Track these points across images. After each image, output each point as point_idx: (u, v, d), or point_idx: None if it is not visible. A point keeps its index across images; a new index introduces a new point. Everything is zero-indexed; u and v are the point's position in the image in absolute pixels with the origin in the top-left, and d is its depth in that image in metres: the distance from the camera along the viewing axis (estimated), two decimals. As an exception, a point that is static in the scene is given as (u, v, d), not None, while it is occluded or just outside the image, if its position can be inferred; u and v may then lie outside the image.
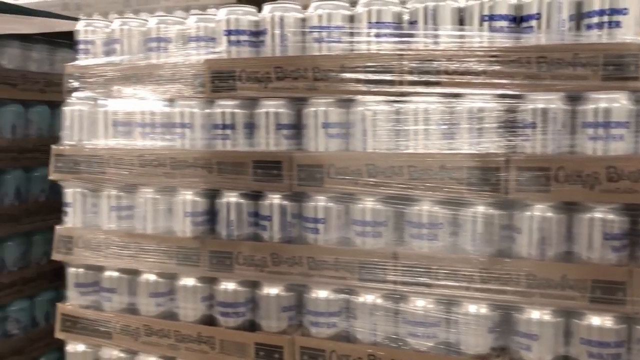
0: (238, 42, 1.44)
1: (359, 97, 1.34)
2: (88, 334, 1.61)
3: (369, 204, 1.33)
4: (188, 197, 1.50)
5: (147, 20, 1.59)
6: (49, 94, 2.03)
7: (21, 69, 1.93)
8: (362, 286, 1.34)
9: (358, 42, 1.35)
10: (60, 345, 2.07)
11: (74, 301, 1.64)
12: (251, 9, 1.46)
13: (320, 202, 1.38)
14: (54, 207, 2.05)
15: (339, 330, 1.39)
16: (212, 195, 1.50)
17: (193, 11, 3.33)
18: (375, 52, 1.32)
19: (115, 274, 1.58)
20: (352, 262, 1.34)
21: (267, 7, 1.44)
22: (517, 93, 1.22)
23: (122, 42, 1.59)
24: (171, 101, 1.52)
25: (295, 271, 1.39)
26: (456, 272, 1.26)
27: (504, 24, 1.25)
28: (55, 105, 2.07)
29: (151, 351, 1.53)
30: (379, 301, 1.34)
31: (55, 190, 2.05)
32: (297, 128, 1.42)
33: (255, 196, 1.45)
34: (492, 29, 1.25)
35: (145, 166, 1.52)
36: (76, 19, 1.97)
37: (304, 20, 1.41)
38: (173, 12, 3.45)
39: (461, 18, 1.29)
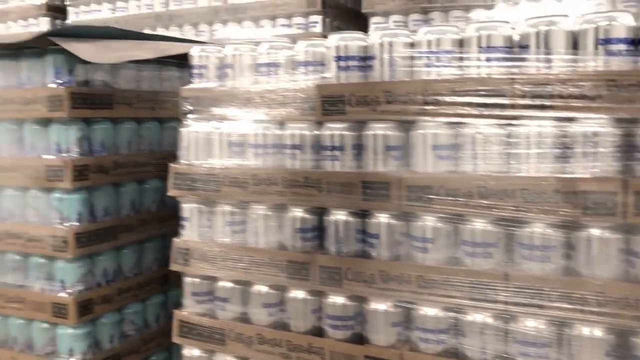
0: (347, 68, 1.50)
1: (470, 120, 1.36)
2: (203, 340, 1.72)
3: (479, 225, 1.36)
4: (298, 214, 1.58)
5: (257, 46, 1.68)
6: (158, 111, 2.17)
7: (135, 89, 2.07)
8: (472, 305, 1.37)
9: (468, 66, 1.37)
10: (168, 346, 2.23)
11: (189, 309, 1.76)
12: (360, 34, 1.52)
13: (428, 222, 1.42)
14: (164, 216, 2.21)
15: (447, 347, 1.43)
16: (321, 212, 1.57)
17: (278, 26, 3.42)
18: (486, 76, 1.34)
19: (229, 284, 1.68)
20: (462, 282, 1.37)
21: (376, 33, 1.49)
22: (635, 117, 1.22)
23: (234, 67, 1.69)
24: (282, 123, 1.60)
25: (404, 289, 1.44)
26: (570, 295, 1.27)
27: (621, 47, 1.24)
28: (163, 121, 2.22)
29: (264, 359, 1.63)
30: (489, 320, 1.37)
31: (164, 201, 2.20)
32: (405, 149, 1.46)
33: (363, 214, 1.51)
34: (608, 53, 1.25)
35: (258, 184, 1.61)
36: (187, 41, 2.09)
37: (412, 45, 1.45)
38: (259, 21, 3.57)
39: (575, 42, 1.29)
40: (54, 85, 1.84)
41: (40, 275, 1.94)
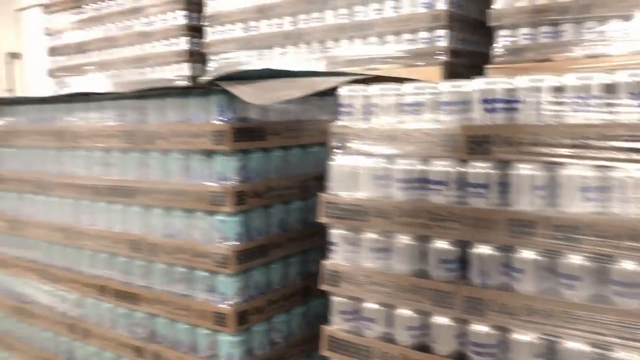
0: (493, 110, 1.58)
1: (619, 164, 1.40)
2: (349, 355, 1.88)
3: (629, 266, 1.39)
4: (441, 246, 1.69)
5: (401, 84, 1.79)
6: (301, 138, 2.37)
7: (283, 121, 2.28)
8: (620, 344, 1.41)
9: (618, 111, 1.41)
10: (310, 353, 2.43)
11: (337, 325, 1.92)
12: (506, 79, 1.59)
13: (575, 261, 1.47)
14: (306, 234, 2.41)
15: (593, 382, 1.48)
16: (464, 243, 1.67)
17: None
18: (638, 122, 1.37)
19: (374, 306, 1.83)
20: (610, 320, 1.41)
21: (522, 78, 1.55)
22: None
23: (379, 105, 1.82)
24: (426, 160, 1.71)
25: (548, 322, 1.50)
26: None
27: None
28: (306, 146, 2.42)
29: (408, 377, 1.76)
30: (638, 359, 1.40)
31: (306, 220, 2.40)
32: (550, 189, 1.52)
33: (507, 248, 1.59)
34: None
35: (403, 216, 1.73)
36: (334, 74, 2.24)
37: (559, 89, 1.50)
38: (385, 37, 3.68)
39: None
40: (218, 122, 2.08)
41: (203, 287, 2.20)
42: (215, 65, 4.58)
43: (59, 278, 2.69)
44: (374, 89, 1.84)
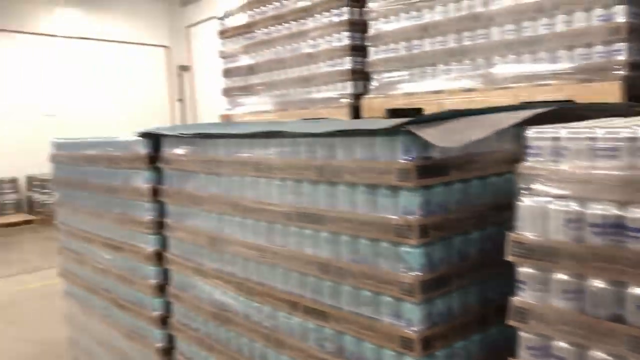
0: (701, 159, 1.55)
1: None
2: (538, 389, 1.94)
3: None
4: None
5: (594, 128, 1.80)
6: (480, 171, 2.44)
7: (463, 154, 2.37)
8: None
9: None
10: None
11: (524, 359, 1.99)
12: None
13: None
14: (483, 263, 2.48)
15: None
16: (665, 291, 1.65)
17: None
18: None
19: (565, 345, 1.87)
20: None
21: None
22: None
23: (569, 148, 1.84)
24: (622, 206, 1.71)
25: None
26: None
27: None
28: (482, 177, 2.49)
29: (602, 419, 1.77)
30: None
31: (483, 249, 2.47)
32: None
33: None
34: None
35: (598, 260, 1.75)
36: (518, 107, 2.29)
37: None
38: (556, 52, 3.59)
39: None
40: (403, 160, 2.23)
41: (388, 311, 2.37)
42: (377, 84, 4.77)
43: (254, 291, 3.04)
44: (564, 132, 1.86)
